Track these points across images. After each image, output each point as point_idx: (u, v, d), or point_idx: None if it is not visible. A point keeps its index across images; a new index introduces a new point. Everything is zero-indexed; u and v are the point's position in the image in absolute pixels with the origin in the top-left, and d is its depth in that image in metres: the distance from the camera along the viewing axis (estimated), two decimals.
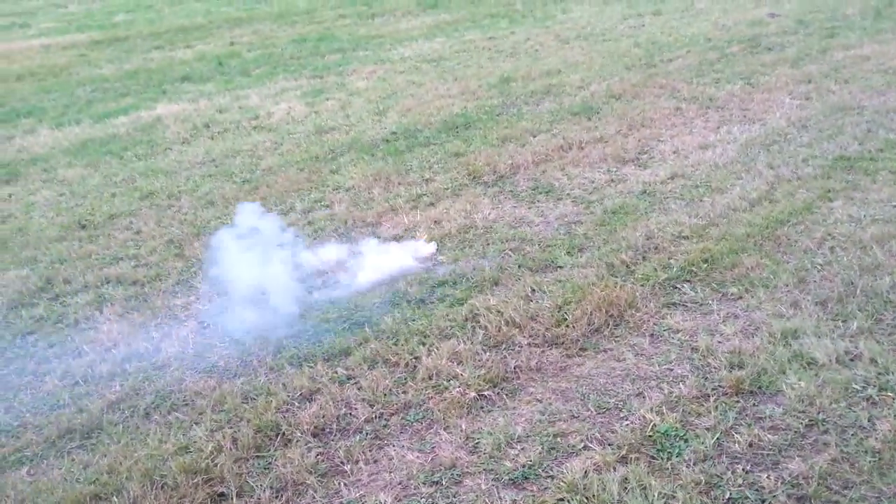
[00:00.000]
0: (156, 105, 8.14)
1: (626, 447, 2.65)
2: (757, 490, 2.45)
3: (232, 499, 2.60)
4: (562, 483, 2.53)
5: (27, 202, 5.63)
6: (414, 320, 3.55)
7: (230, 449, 2.80)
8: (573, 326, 3.38)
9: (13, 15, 16.53)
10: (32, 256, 4.64)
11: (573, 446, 2.72)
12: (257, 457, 2.80)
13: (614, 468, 2.57)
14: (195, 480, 2.66)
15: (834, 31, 8.48)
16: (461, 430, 2.85)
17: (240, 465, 2.75)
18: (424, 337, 3.40)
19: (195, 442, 2.86)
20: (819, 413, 2.74)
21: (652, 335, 3.32)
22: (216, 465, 2.72)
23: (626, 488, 2.48)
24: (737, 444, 2.63)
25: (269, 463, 2.76)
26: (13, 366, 3.54)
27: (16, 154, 6.85)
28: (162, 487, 2.65)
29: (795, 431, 2.68)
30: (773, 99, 6.32)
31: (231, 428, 2.92)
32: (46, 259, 4.58)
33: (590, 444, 2.71)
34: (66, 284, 4.25)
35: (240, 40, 11.72)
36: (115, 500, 2.62)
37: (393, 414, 2.97)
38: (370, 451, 2.80)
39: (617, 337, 3.33)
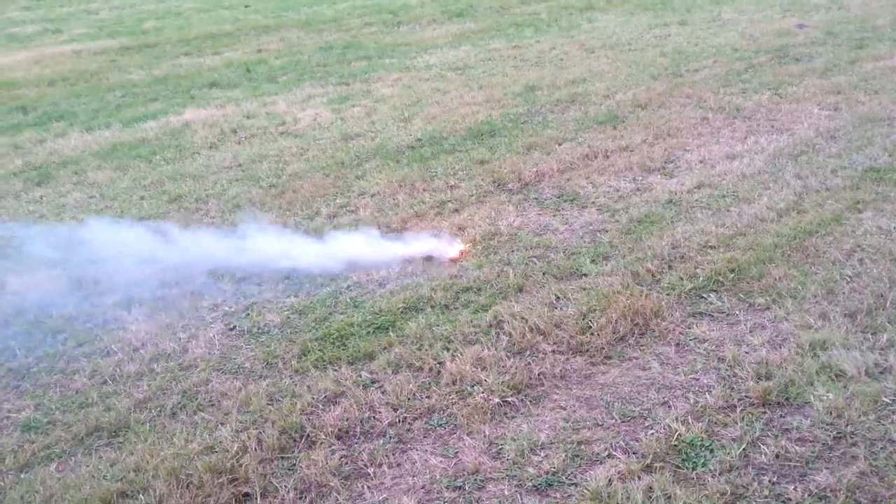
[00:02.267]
0: (184, 110, 8.24)
1: (650, 456, 2.64)
2: (783, 502, 2.43)
3: (256, 499, 2.62)
4: (585, 491, 2.53)
5: (58, 204, 5.72)
6: (438, 325, 3.56)
7: (255, 449, 2.82)
8: (598, 334, 3.37)
9: (46, 21, 16.82)
10: (63, 257, 4.70)
11: (597, 454, 2.71)
12: (282, 458, 2.82)
13: (639, 477, 2.56)
14: (220, 480, 2.69)
15: (863, 42, 8.40)
16: (484, 436, 2.85)
17: (264, 465, 2.77)
18: (448, 342, 3.41)
19: (221, 442, 2.88)
20: (847, 425, 2.70)
21: (678, 344, 3.30)
22: (241, 466, 2.75)
23: (650, 497, 2.47)
24: (763, 456, 2.61)
25: (294, 464, 2.78)
26: (43, 364, 3.59)
27: (47, 157, 6.96)
28: (187, 486, 2.68)
29: (823, 444, 2.65)
30: (802, 109, 6.27)
31: (256, 429, 2.94)
32: (76, 259, 4.64)
33: (614, 453, 2.70)
34: (95, 285, 4.30)
35: (267, 47, 11.83)
36: (142, 497, 2.65)
37: (416, 418, 2.98)
38: (393, 454, 2.81)
39: (642, 346, 3.31)
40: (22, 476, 2.85)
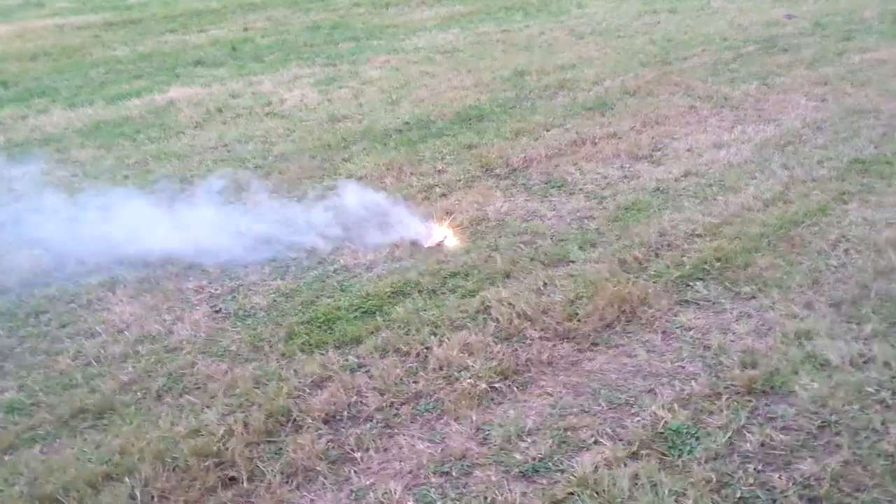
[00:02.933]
0: (169, 88, 8.13)
1: (637, 443, 2.65)
2: (768, 490, 2.45)
3: (243, 483, 2.62)
4: (572, 477, 2.54)
5: (40, 182, 5.63)
6: (425, 310, 3.55)
7: (241, 433, 2.80)
8: (585, 321, 3.38)
9: None
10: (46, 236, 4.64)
11: (584, 441, 2.72)
12: (268, 441, 2.80)
13: (625, 464, 2.57)
14: (206, 463, 2.67)
15: (851, 34, 8.43)
16: (471, 422, 2.85)
17: (251, 449, 2.75)
18: (436, 327, 3.41)
19: (207, 425, 2.87)
20: (832, 415, 2.73)
21: (664, 332, 3.31)
22: (227, 449, 2.73)
23: (636, 484, 2.49)
24: (748, 444, 2.63)
25: (280, 448, 2.77)
26: (26, 344, 3.55)
27: (29, 133, 6.86)
28: (173, 469, 2.66)
29: (808, 432, 2.67)
30: (789, 100, 6.29)
31: (243, 412, 2.93)
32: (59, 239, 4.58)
33: (600, 439, 2.71)
34: (78, 265, 4.26)
35: (253, 26, 11.70)
36: (127, 480, 2.63)
37: (403, 403, 2.98)
38: (380, 439, 2.80)
39: (629, 333, 3.33)
40: (6, 458, 2.82)
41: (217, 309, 3.74)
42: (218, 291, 3.91)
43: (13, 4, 15.21)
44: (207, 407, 2.99)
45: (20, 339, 3.60)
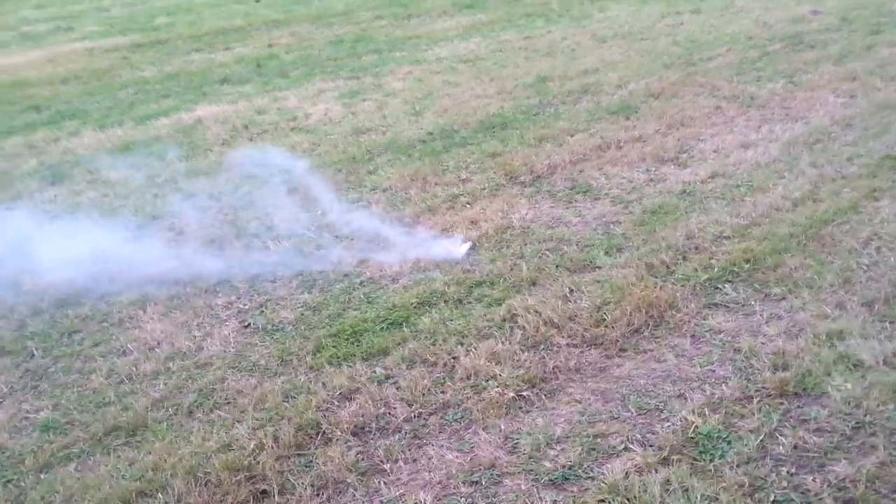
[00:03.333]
0: (196, 107, 8.25)
1: (667, 448, 2.63)
2: (802, 493, 2.41)
3: (274, 496, 2.64)
4: (603, 484, 2.52)
5: (73, 203, 5.75)
6: (452, 320, 3.55)
7: (272, 447, 2.83)
8: (612, 327, 3.36)
9: (58, 19, 16.90)
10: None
11: (614, 447, 2.70)
12: (298, 455, 2.83)
13: (656, 470, 2.55)
14: (238, 478, 2.70)
15: (879, 28, 8.29)
16: (500, 431, 2.84)
17: (281, 462, 2.78)
18: (462, 337, 3.41)
19: (237, 440, 2.90)
20: (866, 415, 2.68)
21: (693, 336, 3.28)
22: (258, 463, 2.76)
23: (668, 490, 2.46)
24: (781, 447, 2.59)
25: (310, 461, 2.79)
26: (60, 364, 3.62)
27: (61, 156, 7.00)
28: (205, 484, 2.69)
29: (841, 434, 2.63)
30: (817, 97, 6.20)
31: (272, 426, 2.96)
32: (92, 259, 4.67)
33: (630, 446, 2.69)
34: (110, 284, 4.33)
35: (278, 42, 11.84)
36: (160, 496, 2.67)
37: (432, 414, 2.98)
38: (409, 450, 2.81)
39: (657, 338, 3.30)
40: (42, 476, 2.88)
41: (246, 324, 3.79)
42: (247, 307, 3.95)
43: (44, 30, 15.56)
44: (238, 421, 3.02)
45: (54, 358, 3.67)
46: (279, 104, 8.01)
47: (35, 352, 3.74)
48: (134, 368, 3.49)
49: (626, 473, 2.55)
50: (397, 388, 3.13)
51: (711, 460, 2.57)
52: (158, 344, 3.66)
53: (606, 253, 4.03)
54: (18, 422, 3.23)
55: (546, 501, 2.50)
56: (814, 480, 2.44)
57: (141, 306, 4.04)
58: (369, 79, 8.73)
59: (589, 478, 2.58)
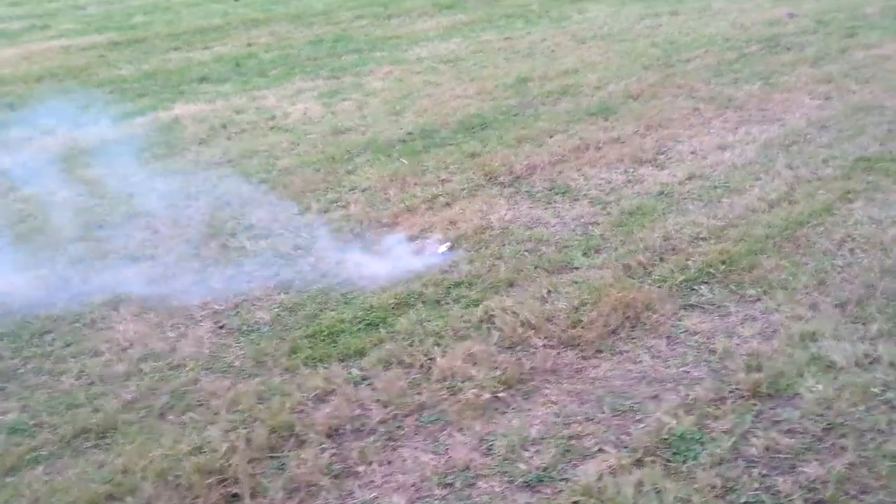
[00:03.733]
0: (173, 106, 8.17)
1: (641, 450, 2.64)
2: (773, 494, 2.42)
3: (245, 499, 2.61)
4: (576, 486, 2.52)
5: (47, 202, 5.67)
6: (429, 321, 3.54)
7: (244, 449, 2.80)
8: (589, 328, 3.36)
9: (34, 17, 16.67)
10: (51, 256, 4.67)
11: (588, 449, 2.70)
12: (271, 457, 2.80)
13: (629, 471, 2.55)
14: (209, 481, 2.67)
15: (854, 31, 8.39)
16: (475, 432, 2.84)
17: (254, 465, 2.75)
18: (439, 338, 3.40)
19: (210, 442, 2.86)
20: (837, 417, 2.71)
21: (669, 337, 3.29)
22: (230, 466, 2.73)
23: (641, 492, 2.46)
24: (753, 448, 2.61)
25: (283, 464, 2.76)
26: (30, 365, 3.56)
27: (35, 153, 6.90)
28: (176, 487, 2.66)
29: (813, 435, 2.65)
30: (793, 99, 6.26)
31: (245, 428, 2.93)
32: (65, 259, 4.61)
33: (605, 447, 2.69)
34: (83, 284, 4.27)
35: (257, 41, 11.75)
36: (130, 500, 2.63)
37: (407, 415, 2.97)
38: (384, 452, 2.80)
39: (633, 339, 3.31)
40: (7, 480, 2.82)
41: (221, 325, 3.75)
42: (222, 307, 3.91)
43: (19, 28, 15.35)
44: (210, 424, 2.99)
45: (24, 359, 3.61)
46: (258, 103, 7.95)
47: (3, 353, 3.68)
48: (106, 370, 3.44)
49: (600, 475, 2.55)
50: (373, 390, 3.11)
51: (685, 462, 2.58)
52: (131, 345, 3.61)
53: (584, 254, 4.04)
54: None
55: (519, 503, 2.49)
56: (785, 482, 2.46)
57: (114, 306, 3.98)
58: (349, 78, 8.69)
59: (563, 479, 2.58)
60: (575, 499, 2.48)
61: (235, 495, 2.63)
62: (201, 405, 3.13)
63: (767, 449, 2.60)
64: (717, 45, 8.30)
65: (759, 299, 3.48)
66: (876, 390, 2.79)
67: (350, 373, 3.23)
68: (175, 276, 4.26)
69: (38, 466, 2.86)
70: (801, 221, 4.12)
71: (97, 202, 5.54)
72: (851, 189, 4.45)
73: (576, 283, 3.74)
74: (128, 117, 7.86)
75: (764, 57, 7.66)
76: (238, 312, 3.84)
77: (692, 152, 5.33)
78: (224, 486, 2.66)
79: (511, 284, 3.81)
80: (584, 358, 3.22)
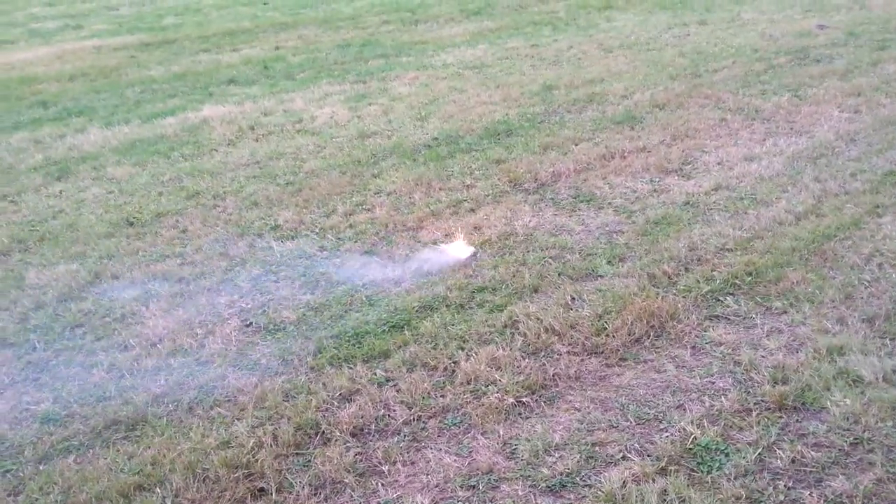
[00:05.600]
0: (202, 107, 8.28)
1: (665, 459, 2.63)
2: None
3: (272, 494, 2.64)
4: (599, 492, 2.53)
5: (77, 199, 5.77)
6: (453, 325, 3.56)
7: (271, 445, 2.84)
8: (613, 336, 3.37)
9: (68, 17, 16.96)
10: (82, 252, 4.76)
11: (612, 456, 2.71)
12: (297, 454, 2.83)
13: (653, 480, 2.55)
14: (236, 475, 2.71)
15: (885, 44, 8.32)
16: (499, 436, 2.85)
17: (280, 461, 2.79)
18: (463, 342, 3.42)
19: (236, 437, 2.91)
20: (864, 432, 2.69)
21: (693, 347, 3.29)
22: (257, 461, 2.77)
23: (665, 500, 2.47)
24: (779, 460, 2.60)
25: (309, 461, 2.79)
26: (62, 357, 3.63)
27: (67, 152, 7.02)
28: (204, 480, 2.70)
29: (840, 449, 2.63)
30: (821, 111, 6.22)
31: (272, 425, 2.97)
32: (95, 255, 4.69)
33: (629, 455, 2.69)
34: (113, 280, 4.35)
35: (285, 45, 11.88)
36: (158, 491, 2.68)
37: (431, 417, 2.99)
38: (408, 452, 2.82)
39: (658, 348, 3.31)
40: (41, 468, 2.89)
41: (248, 323, 3.80)
42: (249, 306, 3.96)
43: (53, 27, 15.62)
44: (237, 419, 3.03)
45: (56, 351, 3.68)
46: (285, 106, 8.03)
47: (37, 345, 3.75)
48: (135, 363, 3.50)
49: (624, 482, 2.55)
50: (397, 391, 3.13)
51: (709, 472, 2.58)
52: (160, 340, 3.67)
53: (609, 262, 4.04)
54: (19, 413, 3.23)
55: None
56: (811, 495, 2.45)
57: (143, 302, 4.05)
58: (375, 83, 8.76)
59: (586, 486, 2.59)
60: None
61: (262, 490, 2.67)
62: (228, 401, 3.17)
63: (793, 462, 2.59)
64: (746, 56, 8.27)
65: (785, 312, 3.47)
66: None
67: (375, 374, 3.26)
68: (203, 274, 4.32)
69: (69, 456, 2.92)
70: (828, 235, 4.09)
71: (127, 200, 5.63)
72: (880, 203, 4.42)
73: (600, 290, 3.75)
74: (157, 117, 7.98)
75: (793, 69, 7.62)
76: (265, 311, 3.88)
77: (719, 163, 5.32)
78: (251, 480, 2.70)
79: (535, 290, 3.83)
80: (607, 366, 3.23)
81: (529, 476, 2.65)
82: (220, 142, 6.94)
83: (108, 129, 7.67)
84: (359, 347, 3.47)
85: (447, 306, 3.74)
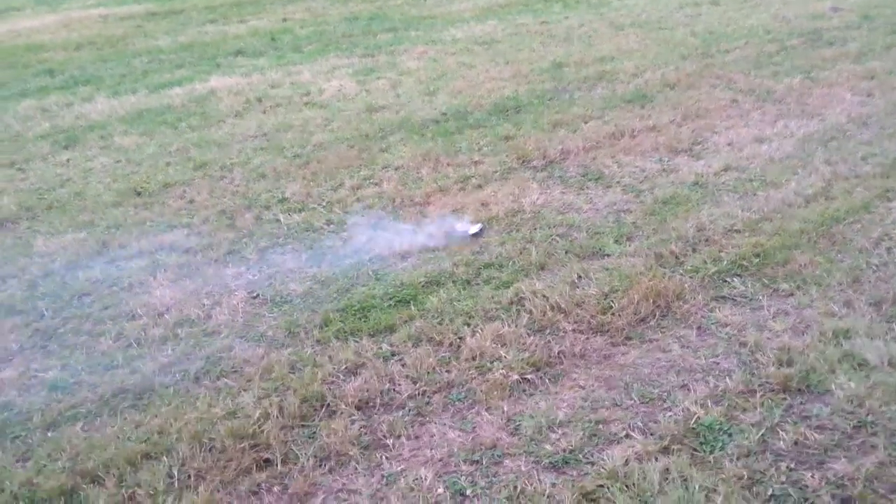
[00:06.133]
0: (209, 78, 8.25)
1: (668, 438, 2.64)
2: (800, 488, 2.42)
3: (277, 465, 2.67)
4: (602, 469, 2.54)
5: (85, 168, 5.77)
6: (459, 301, 3.57)
7: (276, 417, 2.86)
8: (619, 315, 3.37)
9: None
10: (90, 220, 4.77)
11: (615, 434, 2.72)
12: (302, 426, 2.85)
13: (656, 458, 2.56)
14: (242, 445, 2.73)
15: None
16: (503, 412, 2.86)
17: (285, 432, 2.81)
18: (469, 318, 3.42)
19: (243, 408, 2.93)
20: (868, 415, 2.69)
21: (699, 328, 3.29)
22: (262, 432, 2.79)
23: (667, 479, 2.48)
24: (782, 442, 2.61)
25: (314, 432, 2.81)
26: (70, 325, 3.65)
27: (74, 120, 7.02)
28: (210, 450, 2.73)
29: (842, 432, 2.64)
30: (834, 94, 6.16)
31: (278, 396, 2.98)
32: (103, 224, 4.71)
33: (632, 433, 2.70)
34: (121, 249, 4.36)
35: (292, 17, 11.80)
36: (165, 459, 2.70)
37: (436, 392, 3.00)
38: (412, 426, 2.83)
39: (663, 328, 3.31)
40: (49, 434, 2.91)
41: (255, 295, 3.81)
42: (255, 277, 3.97)
43: None
44: (244, 390, 3.05)
45: (64, 319, 3.70)
46: (293, 78, 8.00)
47: (45, 312, 3.77)
48: (142, 333, 3.52)
49: (626, 460, 2.57)
50: (402, 366, 3.15)
51: (712, 451, 2.59)
52: (167, 310, 3.69)
53: (616, 241, 4.03)
54: (27, 380, 3.26)
55: (545, 484, 2.52)
56: (812, 477, 2.46)
57: (151, 272, 4.06)
58: (384, 57, 8.71)
59: (589, 462, 2.60)
60: (600, 482, 2.50)
61: (267, 460, 2.69)
62: (235, 372, 3.19)
63: (796, 443, 2.59)
64: (758, 37, 8.18)
65: (792, 294, 3.46)
66: None
67: (380, 347, 3.27)
68: (210, 245, 4.33)
69: (77, 423, 2.95)
70: (837, 218, 4.07)
71: (134, 169, 5.63)
72: (891, 188, 4.39)
73: (607, 269, 3.74)
74: (165, 87, 7.95)
75: (805, 51, 7.54)
76: (271, 283, 3.89)
77: (729, 144, 5.28)
78: (256, 450, 2.72)
79: (542, 268, 3.82)
80: (612, 344, 3.23)
81: (533, 452, 2.66)
82: (227, 113, 6.93)
83: (115, 98, 7.66)
84: (365, 321, 3.48)
85: (453, 282, 3.75)
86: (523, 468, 2.60)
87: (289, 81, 7.88)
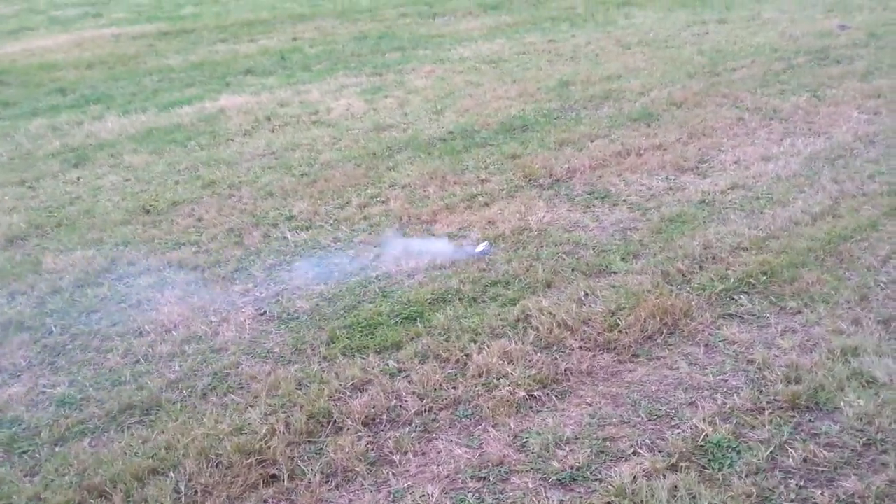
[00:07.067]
0: (219, 97, 8.32)
1: (676, 455, 2.63)
2: None
3: (284, 481, 2.67)
4: (610, 487, 2.53)
5: (94, 186, 5.81)
6: (466, 318, 3.57)
7: (283, 433, 2.86)
8: (626, 332, 3.37)
9: (87, 5, 17.07)
10: (98, 238, 4.80)
11: (622, 451, 2.71)
12: (309, 442, 2.85)
13: (664, 475, 2.55)
14: (249, 461, 2.73)
15: None
16: (510, 429, 2.86)
17: (292, 448, 2.81)
18: (476, 335, 3.43)
19: (250, 424, 2.93)
20: (878, 433, 2.68)
21: (706, 345, 3.28)
22: (269, 448, 2.79)
23: (675, 496, 2.47)
24: (791, 459, 2.59)
25: (321, 448, 2.81)
26: (78, 342, 3.67)
27: (84, 139, 7.08)
28: (217, 466, 2.73)
29: (852, 450, 2.62)
30: (840, 112, 6.17)
31: (285, 412, 2.99)
32: (111, 241, 4.74)
33: (639, 450, 2.70)
34: (129, 266, 4.38)
35: (302, 36, 11.91)
36: (172, 475, 2.70)
37: (442, 408, 3.00)
38: (419, 443, 2.83)
39: (670, 345, 3.30)
40: (56, 449, 2.92)
41: (262, 312, 3.82)
42: (263, 295, 3.98)
43: (72, 15, 15.73)
44: (250, 406, 3.05)
45: (72, 336, 3.72)
46: (302, 97, 8.06)
47: (53, 329, 3.80)
48: (150, 349, 3.53)
49: (634, 477, 2.56)
50: (409, 382, 3.15)
51: (720, 469, 2.57)
52: (175, 327, 3.70)
53: (623, 259, 4.04)
54: (35, 396, 3.28)
55: (553, 501, 2.51)
56: (822, 494, 2.44)
57: (159, 289, 4.08)
58: (392, 76, 8.77)
59: (596, 480, 2.59)
60: (608, 499, 2.49)
61: (274, 476, 2.69)
62: (242, 388, 3.20)
63: (805, 461, 2.58)
64: (765, 56, 8.21)
65: (799, 312, 3.45)
66: None
67: (387, 364, 3.27)
68: (218, 263, 4.35)
69: (84, 439, 2.96)
70: (844, 236, 4.07)
71: (143, 188, 5.67)
72: None
73: (613, 287, 3.74)
74: (174, 106, 8.02)
75: (812, 69, 7.56)
76: (278, 300, 3.90)
77: (735, 162, 5.29)
78: (263, 466, 2.72)
79: (548, 285, 3.83)
80: (619, 362, 3.23)
81: (540, 469, 2.66)
82: (236, 132, 6.98)
83: (125, 116, 7.73)
84: (371, 338, 3.49)
85: (460, 299, 3.75)
86: (530, 485, 2.59)
87: (297, 100, 7.94)
